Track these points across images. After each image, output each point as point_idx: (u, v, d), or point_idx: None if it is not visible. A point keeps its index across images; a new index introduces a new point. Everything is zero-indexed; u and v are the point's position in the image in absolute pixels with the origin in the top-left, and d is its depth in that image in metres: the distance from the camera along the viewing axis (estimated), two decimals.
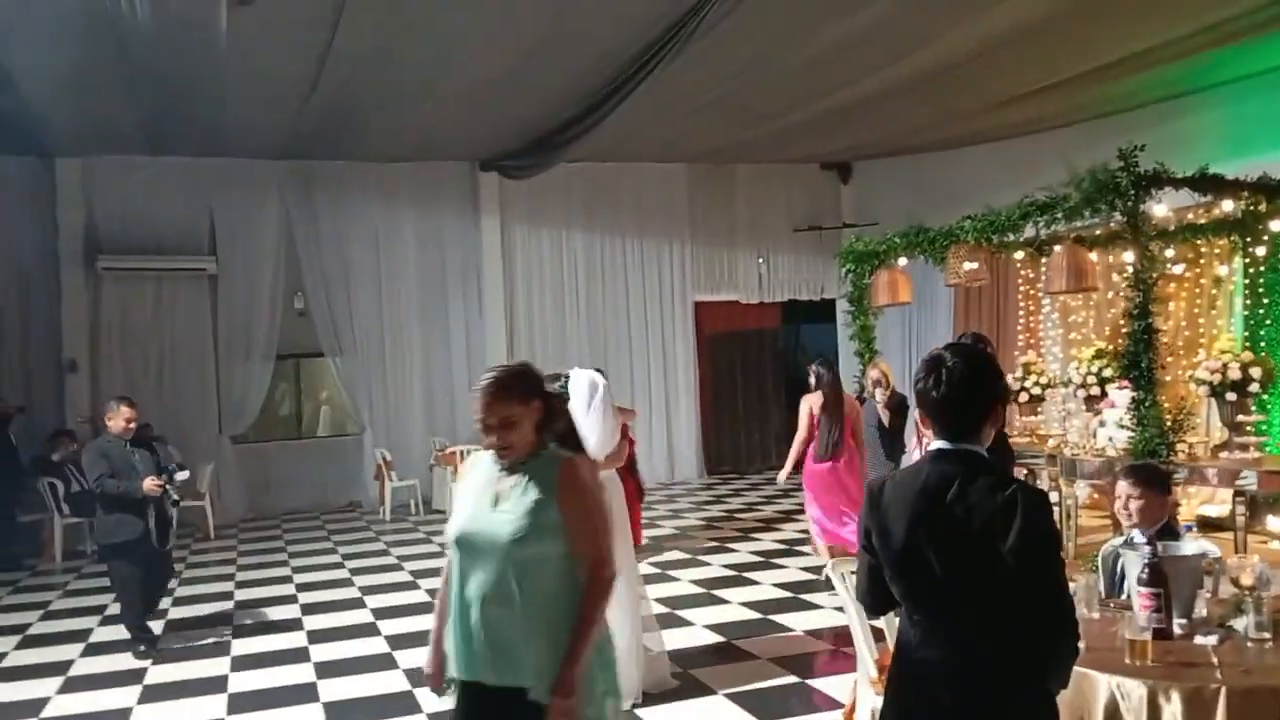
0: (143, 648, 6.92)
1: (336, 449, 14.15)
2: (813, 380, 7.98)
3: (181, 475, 7.17)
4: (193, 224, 13.33)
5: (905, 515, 2.43)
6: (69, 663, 6.89)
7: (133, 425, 6.92)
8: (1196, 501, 8.83)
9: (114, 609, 7.72)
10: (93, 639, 7.52)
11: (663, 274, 15.35)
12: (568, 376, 5.74)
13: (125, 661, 6.83)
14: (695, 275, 15.55)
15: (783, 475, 8.19)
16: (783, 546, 9.76)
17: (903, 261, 9.25)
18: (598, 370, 5.82)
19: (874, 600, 2.62)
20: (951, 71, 9.94)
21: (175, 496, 7.03)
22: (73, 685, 6.39)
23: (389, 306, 14.11)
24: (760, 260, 15.71)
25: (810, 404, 7.96)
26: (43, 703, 6.02)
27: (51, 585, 9.60)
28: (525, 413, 2.85)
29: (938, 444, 2.50)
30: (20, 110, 10.43)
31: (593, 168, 14.58)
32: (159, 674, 6.53)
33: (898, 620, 2.60)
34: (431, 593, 8.39)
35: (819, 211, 15.85)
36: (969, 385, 2.45)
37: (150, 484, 6.71)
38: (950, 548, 2.36)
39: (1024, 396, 9.85)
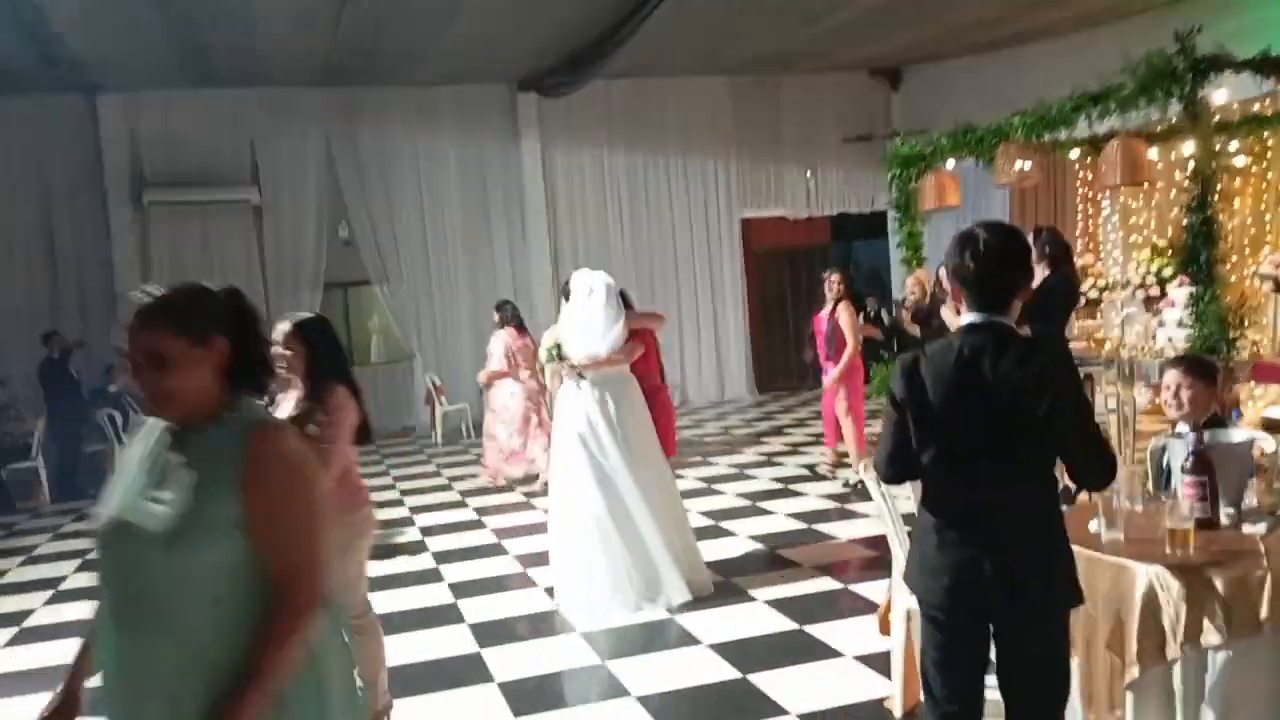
0: None
1: (387, 376, 14.26)
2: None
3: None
4: (236, 156, 13.36)
5: (943, 384, 2.58)
6: None
7: None
8: (1262, 403, 8.52)
9: None
10: None
11: (708, 191, 15.08)
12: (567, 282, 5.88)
13: None
14: (741, 191, 15.24)
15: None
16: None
17: (950, 164, 8.93)
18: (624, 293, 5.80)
19: (896, 470, 2.75)
20: None
21: None
22: None
23: (433, 232, 14.07)
24: (808, 173, 15.34)
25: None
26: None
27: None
28: (190, 353, 1.98)
29: (969, 317, 2.62)
30: (60, 46, 10.45)
31: (633, 84, 14.28)
32: None
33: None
34: (481, 512, 8.48)
35: (869, 121, 15.37)
36: (1001, 259, 2.57)
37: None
38: (987, 410, 2.54)
39: (1081, 301, 9.53)
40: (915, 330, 8.04)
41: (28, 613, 6.49)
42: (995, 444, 2.54)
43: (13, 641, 5.93)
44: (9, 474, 10.58)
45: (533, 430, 9.39)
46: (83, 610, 6.37)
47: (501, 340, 9.56)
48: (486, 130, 14.18)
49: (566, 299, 5.93)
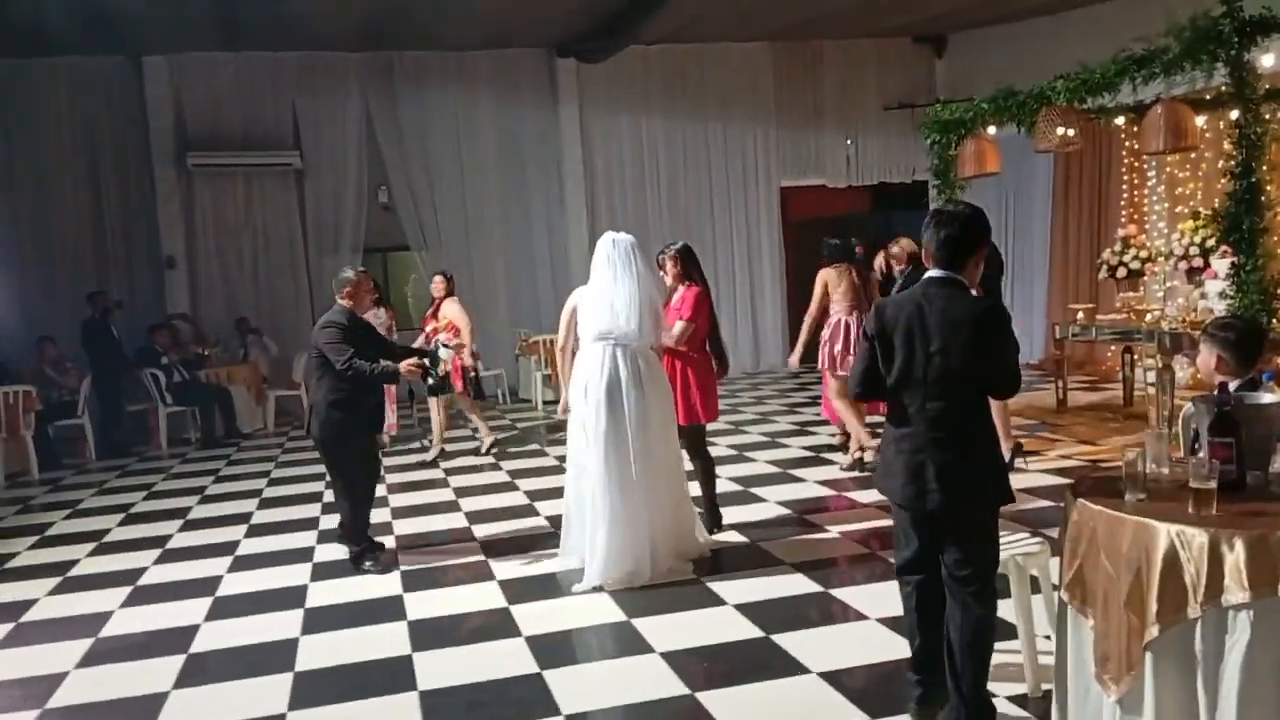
0: (369, 564, 5.94)
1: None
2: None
3: (446, 353, 6.49)
4: (277, 119, 13.48)
5: (903, 321, 3.25)
6: (167, 537, 7.23)
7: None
8: None
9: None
10: (191, 516, 7.88)
11: (746, 159, 14.99)
12: None
13: (219, 535, 7.14)
14: (780, 159, 15.13)
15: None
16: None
17: (991, 130, 8.79)
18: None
19: (865, 389, 3.44)
20: None
21: (438, 376, 6.33)
22: (168, 557, 6.71)
23: (471, 198, 14.11)
24: (849, 142, 15.19)
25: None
26: (139, 572, 6.34)
27: (158, 469, 10.06)
28: None
29: (933, 272, 3.30)
30: (107, 9, 10.56)
31: (671, 50, 14.21)
32: (250, 546, 6.81)
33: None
34: (513, 474, 8.56)
35: (911, 88, 15.18)
36: (965, 226, 3.27)
37: (408, 365, 5.98)
38: (935, 341, 3.19)
39: (1122, 272, 9.40)
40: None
41: (72, 563, 6.66)
42: (940, 371, 3.19)
43: (57, 590, 6.08)
44: (56, 430, 10.82)
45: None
46: (124, 561, 6.55)
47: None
48: (525, 95, 14.17)
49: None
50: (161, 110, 13.01)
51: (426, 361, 6.14)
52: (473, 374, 9.42)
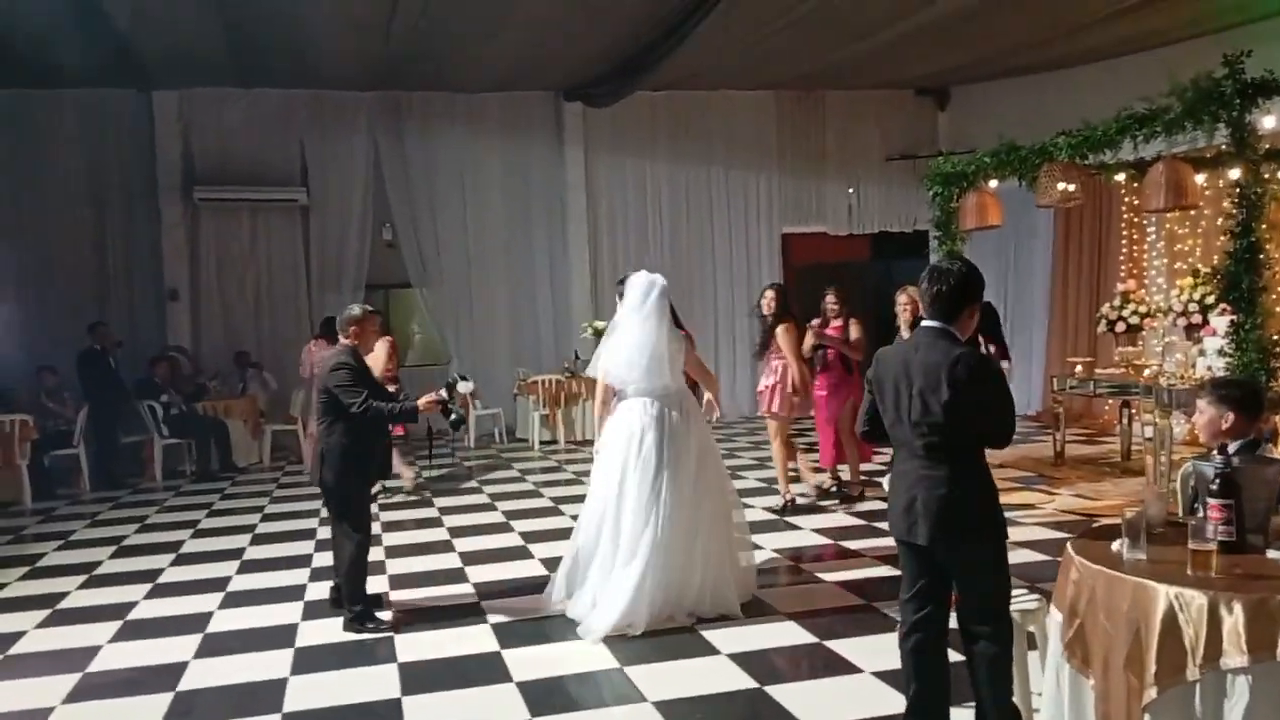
0: (371, 624, 5.56)
1: (424, 378, 14.34)
2: None
3: (465, 386, 6.32)
4: (285, 155, 13.57)
5: (895, 368, 3.49)
6: (159, 571, 7.18)
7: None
8: None
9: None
10: (184, 550, 7.83)
11: (749, 204, 15.09)
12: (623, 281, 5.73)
13: (211, 570, 7.09)
14: (782, 205, 15.23)
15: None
16: (861, 479, 9.57)
17: (993, 184, 8.86)
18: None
19: (869, 433, 3.70)
20: None
21: (458, 410, 5.97)
22: (159, 591, 6.65)
23: (475, 237, 14.19)
24: (850, 190, 15.30)
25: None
26: (130, 606, 6.29)
27: (151, 502, 10.01)
28: None
29: (928, 322, 3.48)
30: (115, 41, 10.67)
31: (677, 96, 14.35)
32: (241, 582, 6.76)
33: None
34: (509, 515, 8.51)
35: (913, 140, 15.32)
36: (957, 282, 3.44)
37: (428, 401, 5.67)
38: (926, 389, 3.36)
39: (1121, 326, 9.42)
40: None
41: (62, 595, 6.60)
42: (922, 413, 3.37)
43: (44, 623, 6.03)
44: (51, 460, 10.78)
45: None
46: (114, 595, 6.50)
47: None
48: (531, 137, 14.29)
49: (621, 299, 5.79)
50: (169, 143, 13.10)
51: (444, 394, 5.87)
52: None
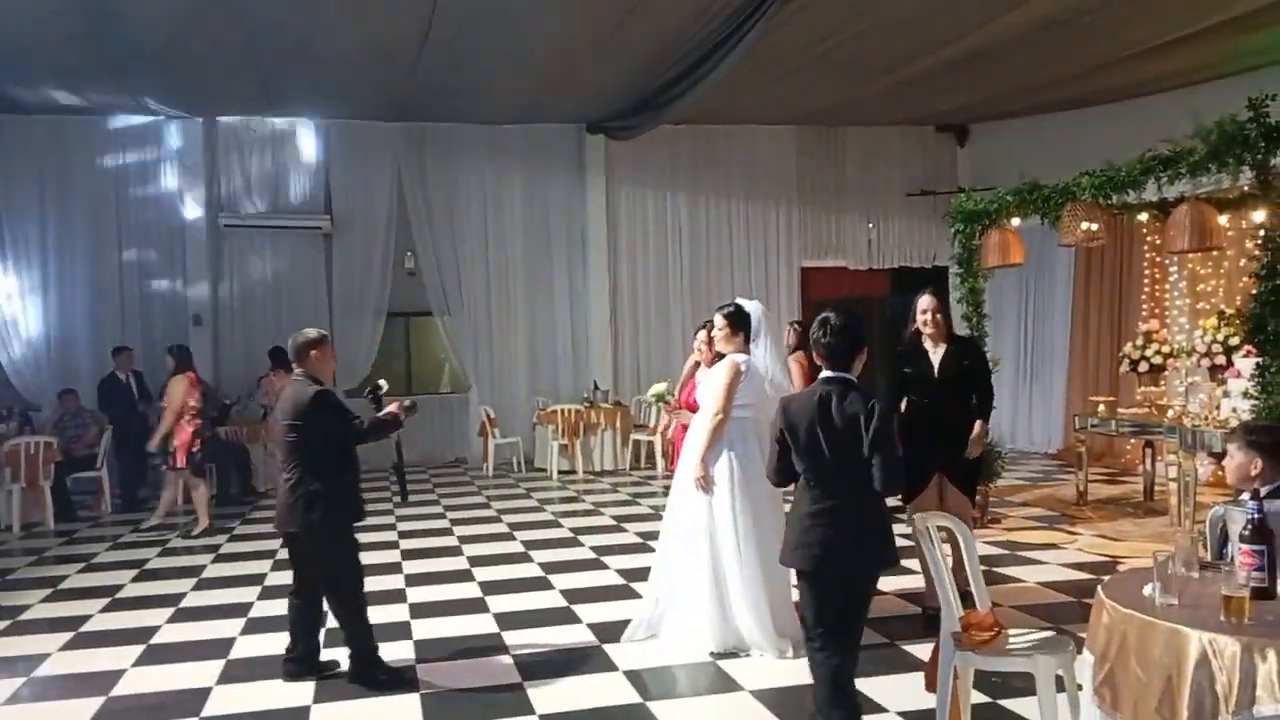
0: (384, 676, 5.19)
1: (444, 406, 14.43)
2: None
3: (383, 385, 5.85)
4: (310, 183, 13.74)
5: (807, 417, 3.75)
6: (181, 595, 7.21)
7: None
8: None
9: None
10: (205, 574, 7.86)
11: (768, 238, 15.15)
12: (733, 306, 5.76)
13: (233, 596, 7.12)
14: (802, 240, 15.29)
15: None
16: None
17: (1015, 222, 8.88)
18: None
19: (780, 477, 3.94)
20: (1078, 20, 9.44)
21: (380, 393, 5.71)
22: (181, 616, 6.69)
23: (495, 266, 14.30)
24: (870, 225, 15.36)
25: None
26: (152, 630, 6.32)
27: (172, 525, 9.98)
28: None
29: (826, 374, 3.82)
30: (145, 70, 10.86)
31: (699, 130, 14.47)
32: (263, 608, 6.77)
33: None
34: (528, 544, 8.52)
35: (933, 176, 15.39)
36: (840, 334, 3.78)
37: (396, 406, 5.39)
38: (834, 435, 3.69)
39: (1144, 366, 9.41)
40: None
41: (85, 618, 6.64)
42: (840, 458, 3.68)
43: (69, 645, 6.06)
44: (74, 483, 10.85)
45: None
46: (137, 619, 6.53)
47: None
48: (553, 169, 14.42)
49: (748, 336, 5.69)
50: (196, 170, 13.28)
51: (373, 396, 5.71)
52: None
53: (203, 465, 10.05)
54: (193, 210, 13.26)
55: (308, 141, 13.68)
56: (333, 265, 13.86)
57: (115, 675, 5.44)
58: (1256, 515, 3.08)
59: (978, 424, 5.78)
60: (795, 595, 5.85)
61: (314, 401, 5.02)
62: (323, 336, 5.30)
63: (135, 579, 7.80)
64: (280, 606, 6.72)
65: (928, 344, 5.89)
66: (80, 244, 13.03)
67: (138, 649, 5.92)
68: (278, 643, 5.92)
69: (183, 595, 7.21)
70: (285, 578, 7.56)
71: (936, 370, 5.82)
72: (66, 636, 6.23)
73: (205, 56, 10.58)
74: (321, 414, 5.02)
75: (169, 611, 6.76)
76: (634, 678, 5.13)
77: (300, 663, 5.27)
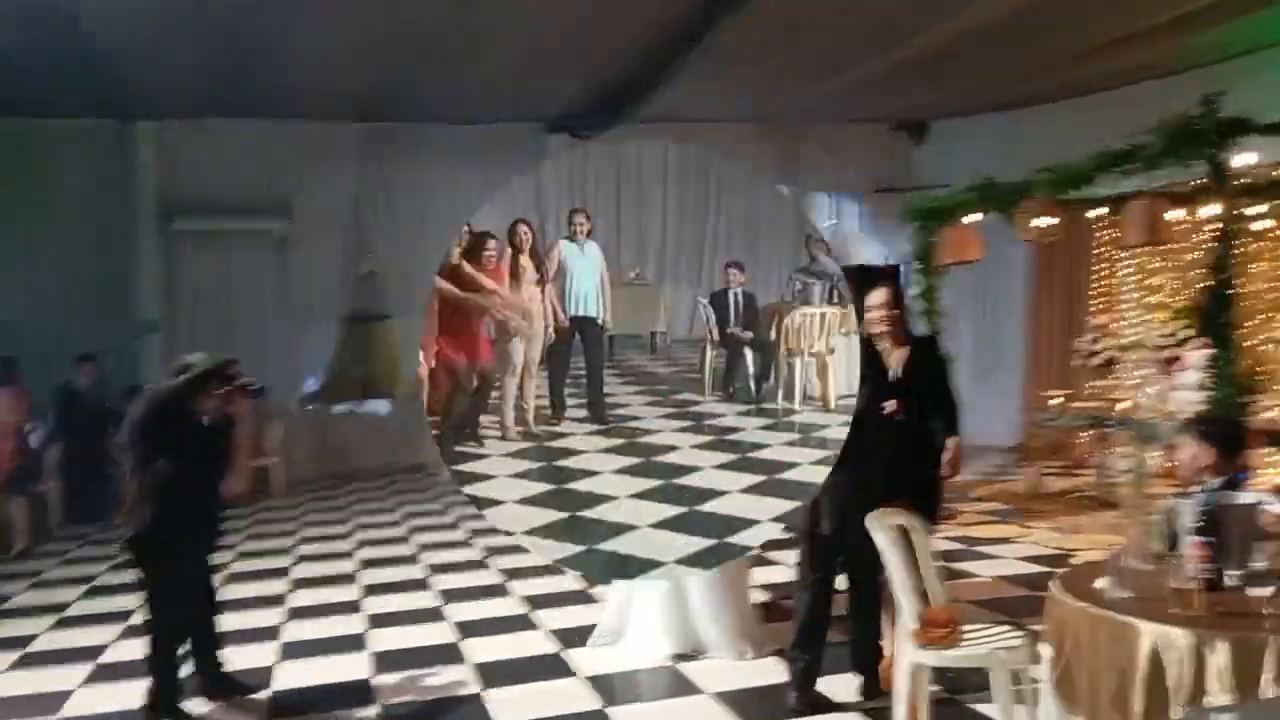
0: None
1: (404, 409, 14.27)
2: None
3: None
4: (264, 186, 13.51)
5: None
6: (131, 611, 7.02)
7: None
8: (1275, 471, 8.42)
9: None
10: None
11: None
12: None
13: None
14: None
15: None
16: None
17: (973, 218, 8.92)
18: None
19: None
20: (1034, 16, 9.46)
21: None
22: (133, 632, 6.54)
23: None
24: (831, 223, 15.41)
25: None
26: (101, 649, 6.22)
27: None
28: None
29: None
30: (97, 70, 10.64)
31: (658, 129, 14.41)
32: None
33: None
34: (487, 551, 8.45)
35: (889, 174, 15.45)
36: None
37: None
38: None
39: (1096, 359, 9.49)
40: None
41: (31, 637, 6.49)
42: None
43: (16, 665, 5.93)
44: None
45: None
46: (90, 636, 6.38)
47: None
48: (513, 168, 14.29)
49: None
50: (147, 174, 13.05)
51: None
52: None
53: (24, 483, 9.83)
54: (145, 214, 13.01)
55: (261, 144, 13.45)
56: (289, 269, 13.67)
57: (63, 696, 5.31)
58: (1206, 508, 3.09)
59: (952, 439, 5.03)
60: (754, 597, 5.89)
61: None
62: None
63: (85, 595, 7.63)
64: (231, 622, 6.64)
65: (883, 346, 5.15)
66: (28, 249, 12.70)
67: (87, 667, 5.80)
68: (231, 658, 5.81)
69: (133, 611, 7.04)
70: (236, 592, 7.47)
71: (892, 377, 5.07)
72: (13, 656, 6.10)
73: (157, 57, 10.39)
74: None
75: (119, 628, 6.61)
76: (594, 683, 5.08)
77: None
